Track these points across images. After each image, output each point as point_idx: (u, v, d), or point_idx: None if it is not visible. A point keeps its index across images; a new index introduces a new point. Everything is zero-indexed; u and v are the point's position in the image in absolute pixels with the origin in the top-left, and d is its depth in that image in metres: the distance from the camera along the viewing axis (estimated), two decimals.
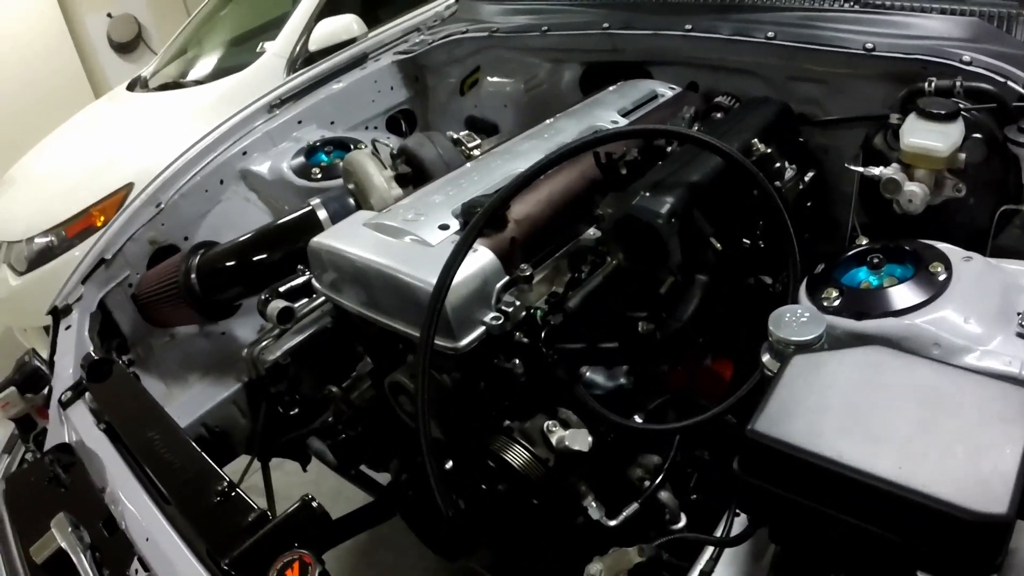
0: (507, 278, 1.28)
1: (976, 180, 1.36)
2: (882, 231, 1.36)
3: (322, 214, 1.79)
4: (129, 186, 3.37)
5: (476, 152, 1.84)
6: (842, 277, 1.19)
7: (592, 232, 1.40)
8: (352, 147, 2.14)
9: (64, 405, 1.59)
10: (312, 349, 1.63)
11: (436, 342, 1.19)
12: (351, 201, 1.82)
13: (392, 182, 1.76)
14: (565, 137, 1.66)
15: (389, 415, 1.48)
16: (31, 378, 1.68)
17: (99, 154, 3.75)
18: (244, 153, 2.19)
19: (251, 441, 1.90)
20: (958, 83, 1.44)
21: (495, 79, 2.43)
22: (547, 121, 1.80)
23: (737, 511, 1.00)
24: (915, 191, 1.33)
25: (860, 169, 1.41)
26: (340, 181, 1.94)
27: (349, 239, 1.41)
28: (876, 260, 1.17)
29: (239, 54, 4.13)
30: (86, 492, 1.35)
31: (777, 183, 1.47)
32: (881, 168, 1.37)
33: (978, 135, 1.38)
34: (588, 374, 1.37)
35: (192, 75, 4.19)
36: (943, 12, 1.60)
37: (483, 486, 1.28)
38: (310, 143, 2.19)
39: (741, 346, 1.34)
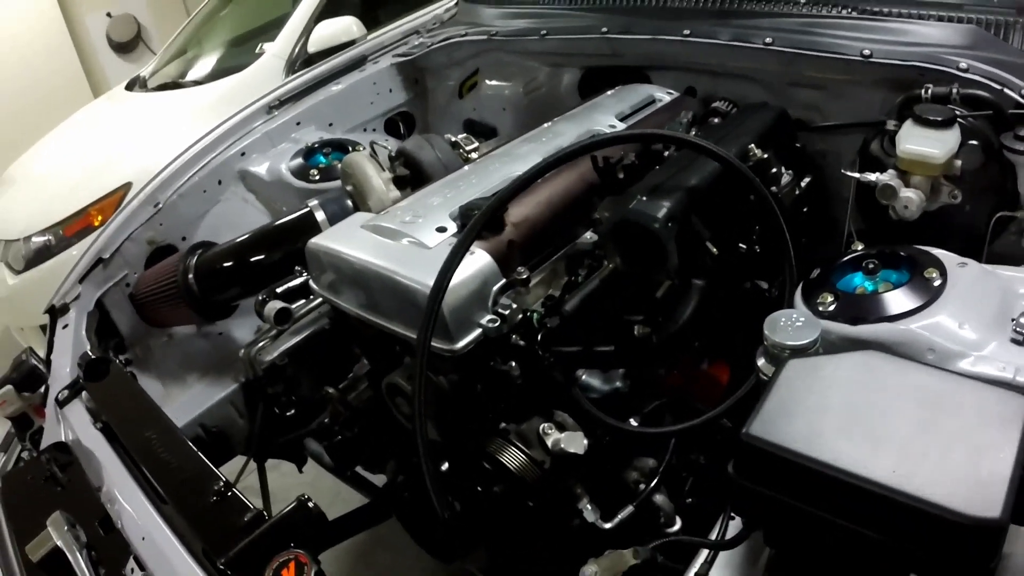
0: (504, 281, 1.29)
1: (972, 187, 1.36)
2: (878, 237, 1.37)
3: (320, 215, 1.79)
4: (127, 186, 3.37)
5: (474, 155, 1.84)
6: (838, 282, 1.19)
7: (589, 235, 1.40)
8: (351, 149, 2.14)
9: (61, 404, 1.59)
10: (309, 350, 1.63)
11: (433, 344, 1.19)
12: (349, 203, 1.82)
13: (390, 184, 1.76)
14: (563, 141, 1.66)
15: (386, 417, 1.48)
16: (28, 377, 1.68)
17: (98, 154, 3.75)
18: (243, 154, 2.19)
19: (248, 441, 1.89)
20: (955, 90, 1.45)
21: (494, 82, 2.44)
22: (545, 125, 1.80)
23: (732, 514, 1.00)
24: (911, 197, 1.34)
25: (857, 175, 1.41)
26: (338, 183, 1.94)
27: (347, 241, 1.42)
28: (872, 265, 1.17)
29: (238, 55, 4.14)
30: (82, 491, 1.34)
31: (773, 188, 1.48)
32: (878, 174, 1.38)
33: (974, 142, 1.38)
34: (584, 377, 1.37)
35: (191, 75, 4.20)
36: (941, 19, 1.61)
37: (479, 488, 1.28)
38: (309, 144, 2.19)
39: (737, 350, 1.35)
